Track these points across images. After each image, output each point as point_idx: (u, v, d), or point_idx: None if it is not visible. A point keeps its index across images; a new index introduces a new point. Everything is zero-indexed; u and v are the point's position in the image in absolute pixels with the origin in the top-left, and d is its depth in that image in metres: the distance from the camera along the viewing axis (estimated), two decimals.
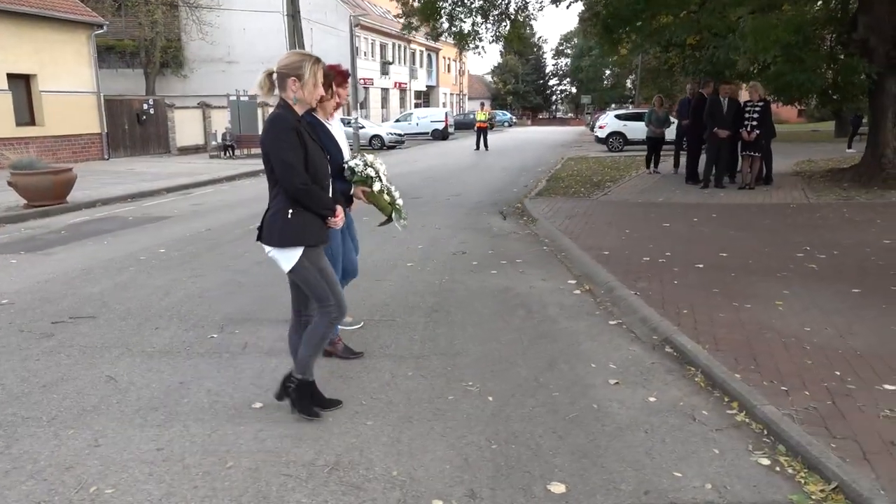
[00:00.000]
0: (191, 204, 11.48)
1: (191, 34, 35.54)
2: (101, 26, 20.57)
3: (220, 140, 22.63)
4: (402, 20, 14.37)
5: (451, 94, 58.48)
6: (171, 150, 24.20)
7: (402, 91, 47.61)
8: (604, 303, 5.26)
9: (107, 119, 20.97)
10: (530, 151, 25.03)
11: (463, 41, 14.04)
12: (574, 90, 76.05)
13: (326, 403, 3.35)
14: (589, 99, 63.55)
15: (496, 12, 13.64)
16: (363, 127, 27.44)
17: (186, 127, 24.99)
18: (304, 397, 3.25)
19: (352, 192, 3.68)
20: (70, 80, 19.61)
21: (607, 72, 67.63)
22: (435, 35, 14.29)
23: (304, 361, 3.21)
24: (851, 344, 4.14)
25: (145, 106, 23.08)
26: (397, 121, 35.28)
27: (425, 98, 52.96)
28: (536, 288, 5.72)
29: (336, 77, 3.77)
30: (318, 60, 3.08)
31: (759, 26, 10.34)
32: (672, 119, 15.25)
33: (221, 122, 24.45)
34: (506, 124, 55.58)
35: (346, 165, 3.66)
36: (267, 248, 3.10)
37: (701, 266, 6.13)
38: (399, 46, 46.05)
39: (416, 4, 13.75)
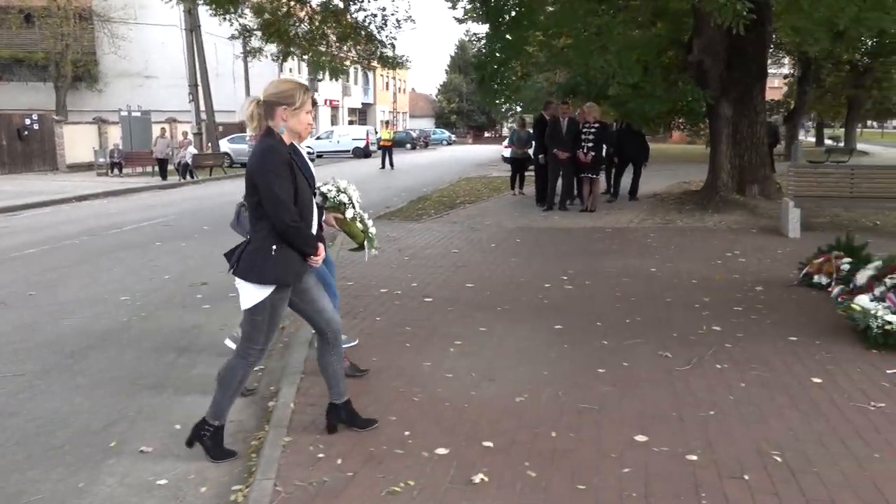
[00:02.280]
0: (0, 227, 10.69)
1: (104, 48, 34.45)
2: None
3: (107, 157, 21.69)
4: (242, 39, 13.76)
5: (390, 112, 58.16)
6: (60, 166, 23.16)
7: (335, 108, 47.07)
8: (277, 344, 4.76)
9: None
10: (435, 171, 24.68)
11: (318, 65, 13.62)
12: (518, 108, 76.47)
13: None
14: (531, 118, 63.91)
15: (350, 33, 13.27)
16: None
17: (80, 143, 23.95)
18: (217, 444, 3.09)
19: (323, 218, 3.48)
20: None
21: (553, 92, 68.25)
22: (284, 54, 13.81)
23: (221, 405, 3.08)
24: (476, 394, 3.71)
25: (28, 121, 22.05)
26: (318, 138, 34.69)
27: (361, 115, 52.52)
28: (229, 327, 5.18)
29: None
30: (308, 89, 3.02)
31: (625, 47, 10.19)
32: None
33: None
34: (444, 143, 55.44)
35: (317, 191, 3.49)
36: (238, 282, 2.98)
37: (430, 299, 5.71)
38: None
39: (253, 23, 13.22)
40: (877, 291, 5.05)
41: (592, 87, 12.14)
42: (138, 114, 22.98)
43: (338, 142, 34.39)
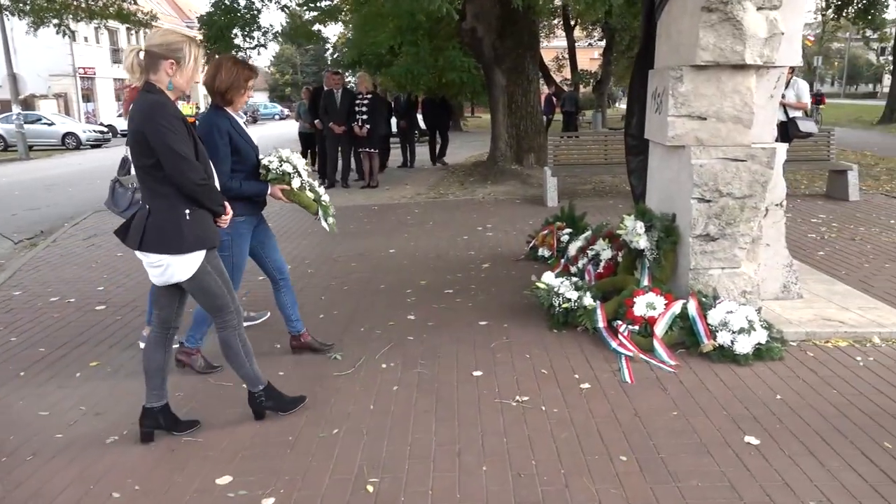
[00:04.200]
0: None
1: None
2: None
3: None
4: None
5: None
6: None
7: None
8: None
9: None
10: None
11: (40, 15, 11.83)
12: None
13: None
14: None
15: None
16: (52, 123, 23.60)
17: None
18: (279, 397, 3.07)
19: (269, 192, 3.45)
20: None
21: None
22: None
23: (250, 374, 3.00)
24: (62, 437, 2.94)
25: None
26: (119, 115, 31.27)
27: None
28: None
29: (247, 72, 3.42)
30: (198, 43, 2.76)
31: (369, 16, 9.59)
32: None
33: None
34: (276, 117, 52.90)
35: (260, 163, 3.43)
36: (154, 258, 2.67)
37: (102, 307, 4.80)
38: (138, 32, 41.26)
39: None
40: (580, 264, 4.93)
41: (374, 56, 11.57)
42: None
43: None
